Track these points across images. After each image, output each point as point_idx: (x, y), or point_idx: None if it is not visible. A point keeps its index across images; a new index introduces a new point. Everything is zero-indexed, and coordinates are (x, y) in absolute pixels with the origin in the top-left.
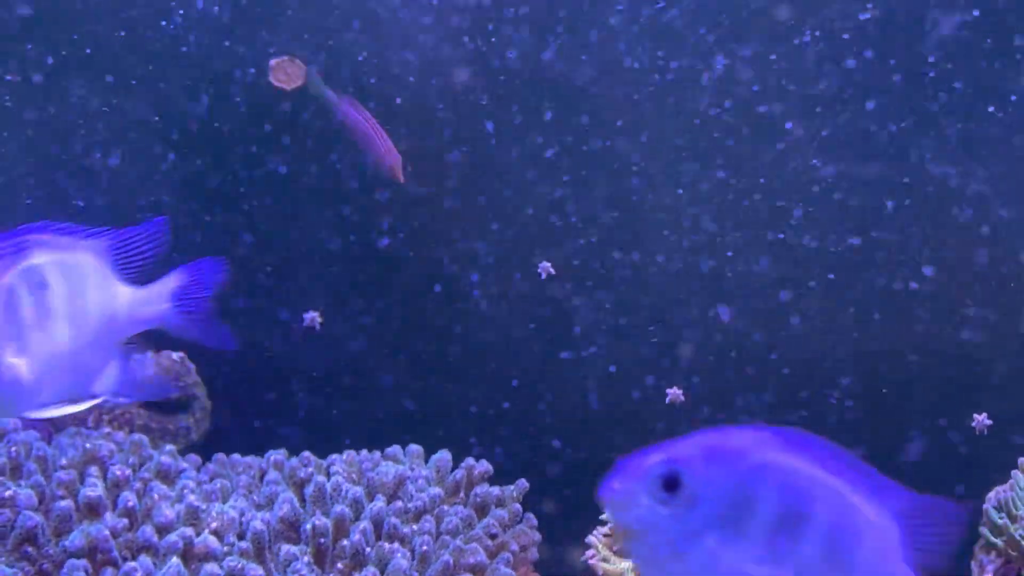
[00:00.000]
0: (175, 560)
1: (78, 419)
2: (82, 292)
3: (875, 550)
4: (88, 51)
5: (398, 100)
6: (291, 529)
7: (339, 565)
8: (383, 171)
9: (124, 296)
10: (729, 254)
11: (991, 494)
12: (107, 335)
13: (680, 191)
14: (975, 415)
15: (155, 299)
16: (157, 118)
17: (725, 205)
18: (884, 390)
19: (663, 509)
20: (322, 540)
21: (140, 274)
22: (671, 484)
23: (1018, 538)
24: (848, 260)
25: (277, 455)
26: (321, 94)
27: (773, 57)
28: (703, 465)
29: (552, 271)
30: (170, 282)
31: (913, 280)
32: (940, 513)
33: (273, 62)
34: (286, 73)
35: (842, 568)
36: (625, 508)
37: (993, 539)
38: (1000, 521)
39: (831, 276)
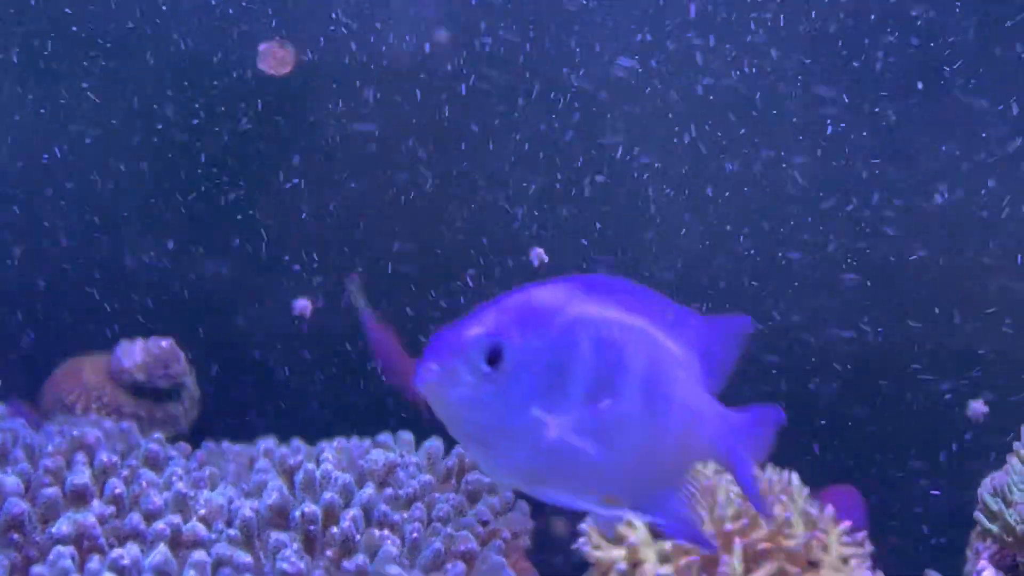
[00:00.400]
0: (163, 547)
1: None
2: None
3: (684, 384)
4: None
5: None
6: (280, 516)
7: (328, 552)
8: (402, 394)
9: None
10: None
11: (986, 480)
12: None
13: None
14: (971, 403)
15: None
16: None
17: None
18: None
19: (487, 385)
20: (311, 527)
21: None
22: (493, 357)
23: (1013, 523)
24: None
25: (267, 443)
26: (357, 303)
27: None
28: (519, 333)
29: (545, 257)
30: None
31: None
32: (724, 330)
33: (263, 47)
34: (275, 58)
35: (658, 411)
36: (446, 389)
37: (988, 524)
38: (995, 507)
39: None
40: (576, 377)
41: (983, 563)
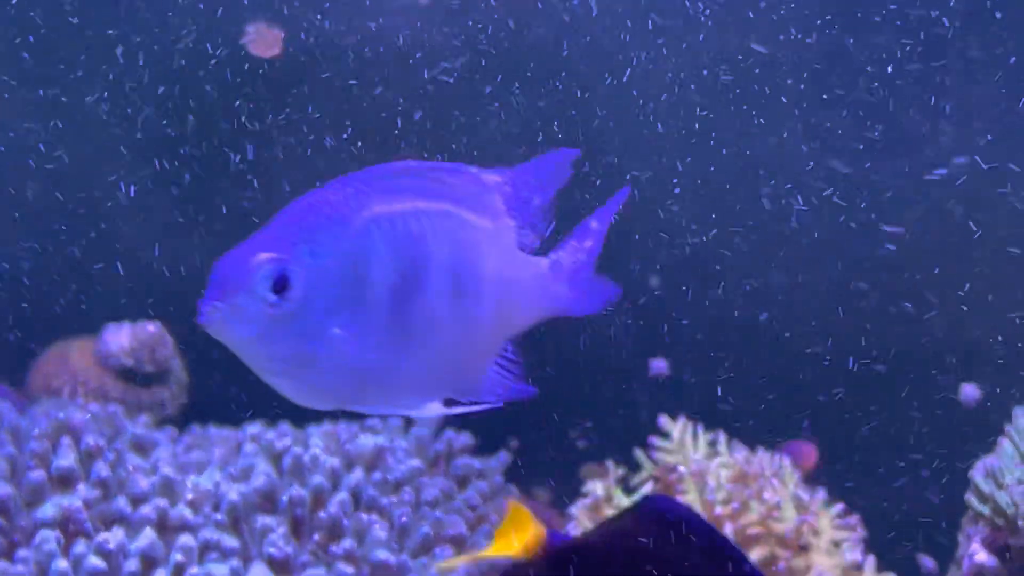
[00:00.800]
0: (149, 531)
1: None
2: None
3: (495, 257)
4: None
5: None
6: (267, 501)
7: (316, 536)
8: None
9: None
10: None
11: (978, 463)
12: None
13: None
14: (963, 385)
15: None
16: None
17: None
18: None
19: (278, 315)
20: (299, 511)
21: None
22: (280, 285)
23: (1004, 506)
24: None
25: (254, 427)
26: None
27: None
28: (307, 251)
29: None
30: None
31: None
32: (541, 171)
33: (251, 27)
34: (264, 40)
35: (469, 297)
36: (233, 328)
37: (979, 507)
38: (987, 489)
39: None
40: (376, 284)
41: (975, 546)
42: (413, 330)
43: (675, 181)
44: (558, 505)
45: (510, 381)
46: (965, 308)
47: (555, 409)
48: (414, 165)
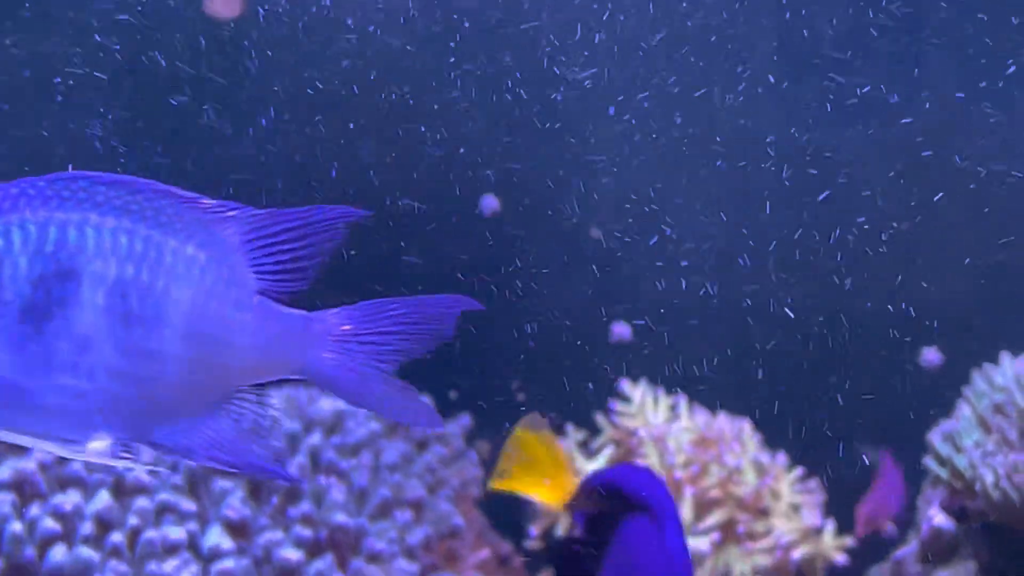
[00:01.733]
0: (105, 494)
1: None
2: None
3: (203, 295)
4: None
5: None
6: None
7: (274, 500)
8: None
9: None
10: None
11: (937, 427)
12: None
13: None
14: (925, 350)
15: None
16: None
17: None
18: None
19: None
20: None
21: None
22: None
23: (962, 469)
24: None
25: None
26: None
27: None
28: None
29: (496, 207)
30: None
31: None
32: (279, 221)
33: None
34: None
35: (144, 326)
36: None
37: (938, 471)
38: (945, 453)
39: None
40: (6, 297)
41: (934, 510)
42: (57, 349)
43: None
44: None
45: (239, 442)
46: (926, 273)
47: (505, 368)
48: (134, 182)
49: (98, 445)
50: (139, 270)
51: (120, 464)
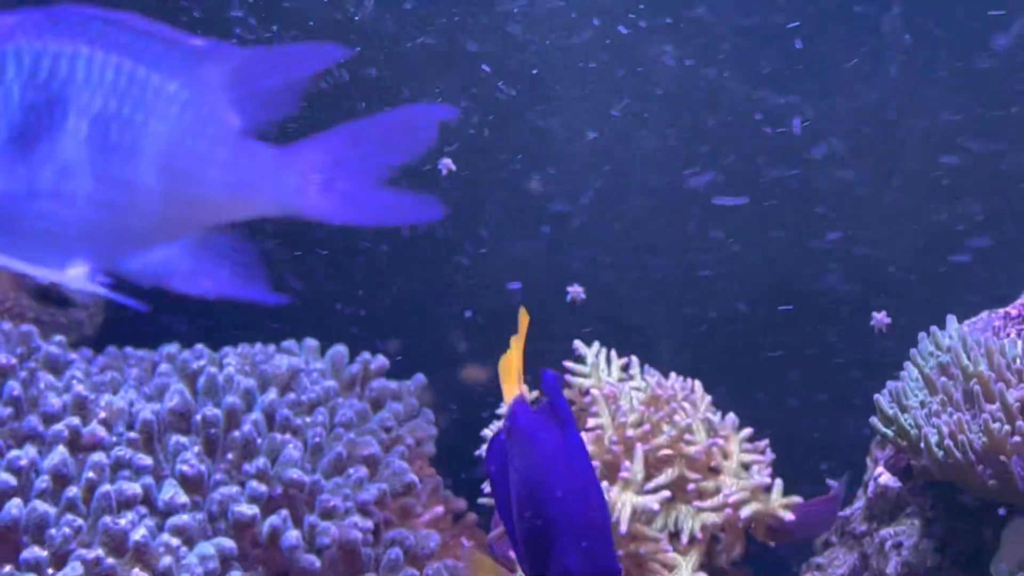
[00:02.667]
0: (61, 449)
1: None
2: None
3: (179, 127)
4: None
5: None
6: (182, 420)
7: (229, 456)
8: None
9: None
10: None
11: (884, 388)
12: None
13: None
14: (874, 314)
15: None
16: None
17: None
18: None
19: None
20: (212, 431)
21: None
22: None
23: (907, 427)
24: None
25: (170, 348)
26: None
27: None
28: None
29: (452, 167)
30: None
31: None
32: (269, 63)
33: None
34: None
35: (122, 154)
36: None
37: (884, 430)
38: (890, 412)
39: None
40: None
41: (880, 469)
42: (42, 176)
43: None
44: None
45: (211, 272)
46: (874, 239)
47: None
48: (127, 19)
49: (76, 272)
50: (122, 104)
51: (100, 290)
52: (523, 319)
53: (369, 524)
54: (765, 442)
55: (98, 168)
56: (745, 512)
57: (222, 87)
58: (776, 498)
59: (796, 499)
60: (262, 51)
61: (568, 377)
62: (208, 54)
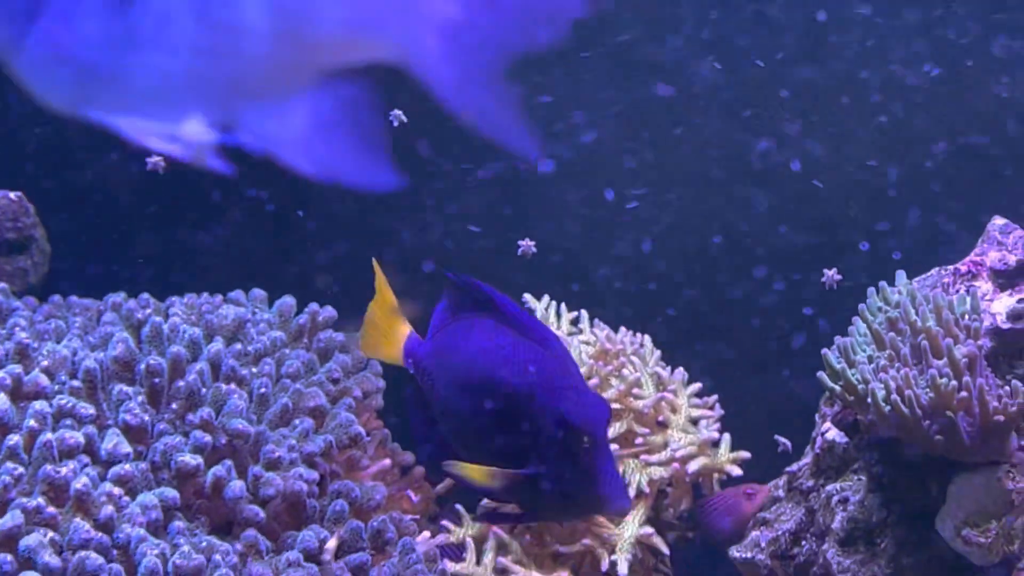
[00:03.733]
0: (2, 397)
1: None
2: None
3: None
4: None
5: None
6: (126, 369)
7: (173, 405)
8: None
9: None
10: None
11: (833, 344)
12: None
13: None
14: (825, 270)
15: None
16: None
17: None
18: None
19: None
20: (156, 380)
21: None
22: None
23: (855, 382)
24: None
25: (115, 297)
26: None
27: None
28: None
29: (404, 118)
30: None
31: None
32: None
33: None
34: None
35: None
36: None
37: (831, 384)
38: (838, 367)
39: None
40: None
41: (827, 424)
42: (141, 26)
43: None
44: None
45: (328, 137)
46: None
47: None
48: None
49: (193, 127)
50: None
51: (215, 143)
52: (377, 271)
53: (314, 475)
54: (714, 397)
55: (199, 13)
56: (693, 467)
57: None
58: (724, 453)
59: (744, 454)
60: None
61: None
62: None
